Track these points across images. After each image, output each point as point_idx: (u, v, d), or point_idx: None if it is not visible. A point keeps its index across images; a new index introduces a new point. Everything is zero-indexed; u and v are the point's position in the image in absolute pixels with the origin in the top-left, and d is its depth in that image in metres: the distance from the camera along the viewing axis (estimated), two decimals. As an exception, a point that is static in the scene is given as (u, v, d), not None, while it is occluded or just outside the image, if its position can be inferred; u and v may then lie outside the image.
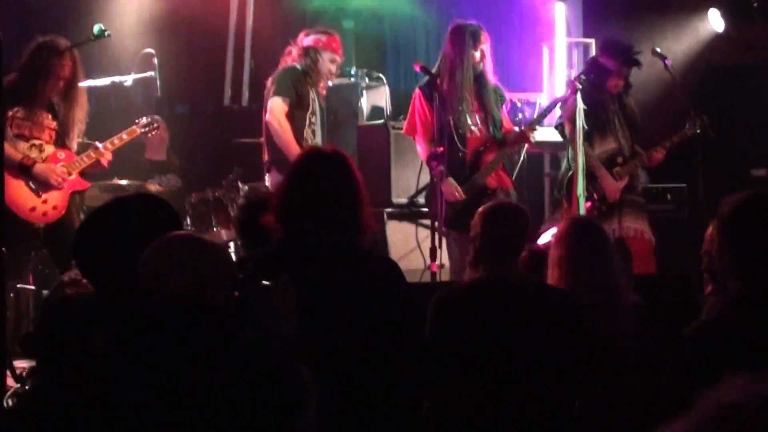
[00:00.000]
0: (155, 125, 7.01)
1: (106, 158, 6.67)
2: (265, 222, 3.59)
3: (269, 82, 7.06)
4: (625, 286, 4.21)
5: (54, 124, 6.46)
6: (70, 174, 6.49)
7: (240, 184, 7.86)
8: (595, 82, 7.23)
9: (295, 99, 6.94)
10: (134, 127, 6.84)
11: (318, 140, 7.02)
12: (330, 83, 7.23)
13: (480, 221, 4.11)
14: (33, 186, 6.34)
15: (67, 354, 3.51)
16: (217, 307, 2.83)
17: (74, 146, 6.59)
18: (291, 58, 7.06)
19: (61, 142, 6.54)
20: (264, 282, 3.06)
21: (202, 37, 9.02)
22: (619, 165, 7.32)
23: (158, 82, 7.09)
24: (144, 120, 6.91)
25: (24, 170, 6.29)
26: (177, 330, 2.72)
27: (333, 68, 7.08)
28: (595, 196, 7.25)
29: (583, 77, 7.12)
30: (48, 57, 6.36)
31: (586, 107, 7.06)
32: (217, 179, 8.12)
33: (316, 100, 7.06)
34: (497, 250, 4.01)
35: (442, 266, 6.99)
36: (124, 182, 7.59)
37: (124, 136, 6.78)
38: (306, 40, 7.07)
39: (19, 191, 6.30)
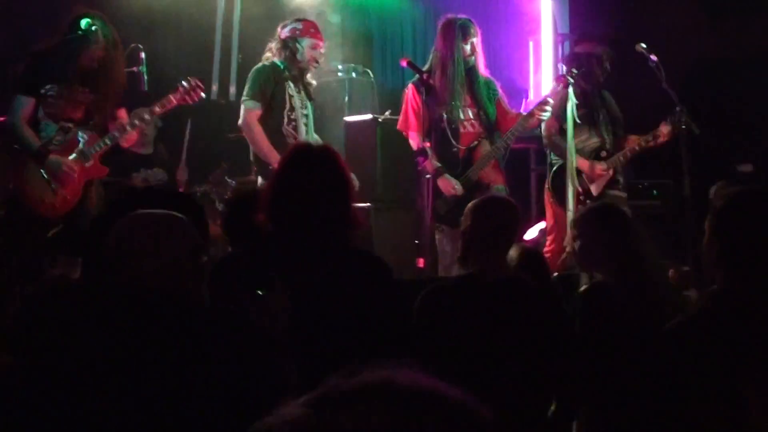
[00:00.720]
0: (196, 86, 6.74)
1: (131, 137, 6.59)
2: (255, 219, 3.58)
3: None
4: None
5: (89, 98, 6.38)
6: (87, 160, 6.38)
7: (227, 179, 7.86)
8: (577, 74, 7.24)
9: (266, 98, 6.83)
10: (175, 94, 6.66)
11: (302, 134, 6.89)
12: (315, 67, 7.05)
13: (470, 216, 4.11)
14: (46, 176, 6.24)
15: (44, 348, 3.52)
16: (189, 297, 2.87)
17: (106, 123, 6.52)
18: (271, 53, 6.99)
19: (90, 119, 6.45)
20: (258, 292, 3.08)
21: (189, 31, 9.01)
22: (603, 159, 7.35)
23: (145, 76, 7.05)
24: (186, 83, 6.71)
25: (39, 160, 6.20)
26: (151, 325, 2.76)
27: (316, 54, 6.93)
28: (579, 189, 7.26)
29: (574, 71, 7.14)
30: (81, 33, 6.29)
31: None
32: (204, 174, 8.11)
33: (297, 94, 6.93)
34: (487, 245, 4.00)
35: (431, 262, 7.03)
36: (109, 179, 7.53)
37: (162, 106, 6.63)
38: (283, 32, 6.98)
39: (34, 180, 6.23)
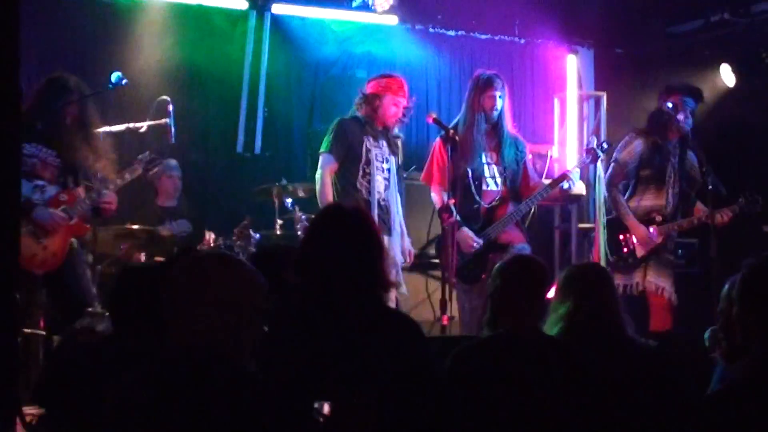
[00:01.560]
0: (157, 162, 6.78)
1: (110, 202, 6.47)
2: (282, 275, 3.58)
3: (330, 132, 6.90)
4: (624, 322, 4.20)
5: (58, 162, 6.27)
6: (70, 218, 6.27)
7: (252, 233, 7.87)
8: (656, 129, 7.19)
9: (342, 152, 6.76)
10: (136, 165, 6.63)
11: (379, 188, 6.78)
12: (401, 123, 6.96)
13: (499, 276, 4.08)
14: (32, 231, 6.10)
15: (75, 402, 3.52)
16: (237, 359, 2.81)
17: (79, 188, 6.41)
18: (355, 107, 6.89)
19: (64, 181, 6.35)
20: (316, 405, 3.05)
21: (216, 84, 9.08)
22: (656, 223, 7.20)
23: (173, 129, 7.09)
24: (146, 155, 6.70)
25: (25, 212, 6.03)
26: (193, 387, 2.71)
27: (397, 111, 6.81)
28: (624, 248, 7.19)
29: (604, 144, 7.11)
30: (55, 94, 6.26)
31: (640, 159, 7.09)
32: (229, 227, 8.14)
33: (378, 148, 6.82)
34: (517, 305, 3.98)
35: (452, 318, 6.98)
36: (135, 227, 7.59)
37: (127, 176, 6.57)
38: (368, 87, 6.90)
39: (23, 238, 5.97)
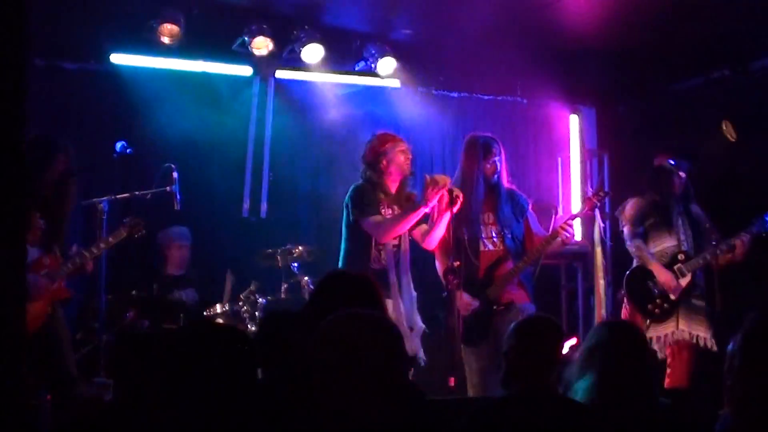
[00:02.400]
0: (140, 225, 6.74)
1: (89, 265, 6.46)
2: (290, 340, 3.57)
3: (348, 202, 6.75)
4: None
5: (42, 223, 6.22)
6: (53, 282, 6.25)
7: (258, 297, 7.88)
8: (655, 188, 7.26)
9: (375, 208, 6.63)
10: (121, 229, 6.63)
11: (390, 258, 6.63)
12: (410, 173, 6.77)
13: (514, 336, 4.08)
14: None
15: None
16: None
17: (60, 250, 6.40)
18: (363, 175, 6.77)
19: (48, 245, 6.32)
20: None
21: (221, 150, 9.13)
22: (680, 262, 7.20)
23: (178, 196, 7.13)
24: (129, 220, 6.70)
25: None
26: None
27: (406, 157, 6.67)
28: (655, 293, 7.17)
29: (601, 193, 7.14)
30: (39, 154, 6.20)
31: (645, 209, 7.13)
32: (235, 292, 8.14)
33: (389, 204, 6.69)
34: (532, 365, 3.98)
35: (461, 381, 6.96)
36: (142, 295, 7.58)
37: (111, 240, 6.57)
38: (368, 155, 6.76)
39: None
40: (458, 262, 6.42)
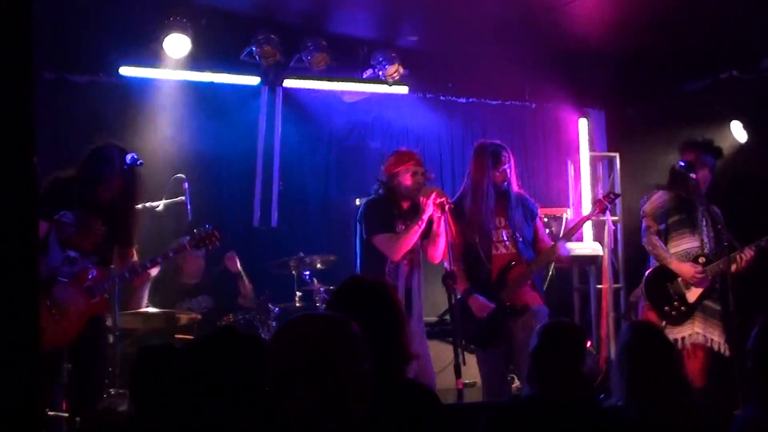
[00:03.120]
0: (215, 237, 6.72)
1: (139, 279, 6.52)
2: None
3: (360, 219, 6.81)
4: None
5: (102, 231, 6.21)
6: (93, 296, 6.21)
7: (271, 306, 7.89)
8: (677, 184, 7.23)
9: (390, 225, 6.70)
10: (190, 241, 6.66)
11: (405, 273, 6.67)
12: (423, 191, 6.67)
13: (537, 338, 4.11)
14: (50, 305, 6.04)
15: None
16: None
17: (113, 258, 6.39)
18: (376, 192, 6.84)
19: (101, 255, 6.31)
20: None
21: (231, 160, 9.16)
22: (700, 264, 7.14)
23: (189, 206, 7.15)
24: (199, 231, 6.70)
25: (45, 286, 6.02)
26: None
27: (418, 179, 6.68)
28: (674, 297, 7.14)
29: (612, 195, 7.12)
30: (101, 163, 6.26)
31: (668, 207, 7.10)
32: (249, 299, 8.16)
33: (402, 221, 6.72)
34: (554, 367, 3.99)
35: (473, 384, 6.96)
36: (152, 310, 7.55)
37: (170, 254, 6.61)
38: (383, 171, 6.84)
39: (46, 323, 5.97)
40: (457, 267, 6.44)
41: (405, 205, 6.75)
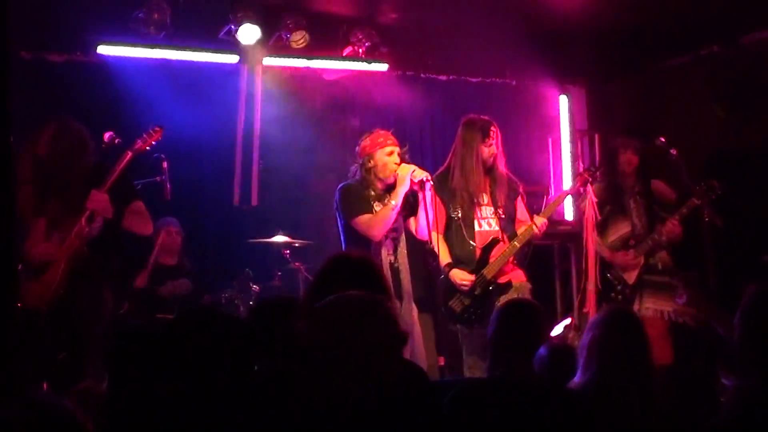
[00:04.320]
0: (155, 130, 6.55)
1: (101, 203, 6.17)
2: (296, 328, 3.53)
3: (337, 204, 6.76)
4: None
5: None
6: (63, 240, 6.10)
7: (251, 285, 7.87)
8: (608, 167, 7.33)
9: (368, 206, 6.63)
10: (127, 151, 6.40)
11: (390, 251, 6.62)
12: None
13: (496, 320, 4.10)
14: (32, 274, 6.06)
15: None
16: None
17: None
18: (354, 174, 6.80)
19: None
20: None
21: (210, 139, 9.10)
22: (631, 246, 7.34)
23: (168, 185, 7.11)
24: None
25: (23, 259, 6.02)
26: None
27: (394, 158, 6.64)
28: (616, 283, 7.27)
29: (592, 169, 7.15)
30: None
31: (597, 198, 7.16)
32: (228, 280, 8.13)
33: (380, 201, 6.64)
34: (513, 348, 3.99)
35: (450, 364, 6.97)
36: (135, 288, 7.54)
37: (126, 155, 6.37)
38: (358, 153, 6.78)
39: (24, 281, 6.01)
40: (433, 244, 6.44)
41: (381, 186, 6.71)
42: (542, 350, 4.31)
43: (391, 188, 6.64)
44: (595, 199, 7.23)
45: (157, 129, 6.56)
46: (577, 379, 4.18)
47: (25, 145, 6.26)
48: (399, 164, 6.63)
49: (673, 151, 7.29)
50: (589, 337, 4.15)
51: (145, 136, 6.49)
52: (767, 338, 2.99)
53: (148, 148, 6.54)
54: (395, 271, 6.55)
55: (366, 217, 6.57)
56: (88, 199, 6.09)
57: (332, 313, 2.92)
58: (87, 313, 6.11)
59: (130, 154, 6.36)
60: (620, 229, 7.43)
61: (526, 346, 4.03)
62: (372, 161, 6.67)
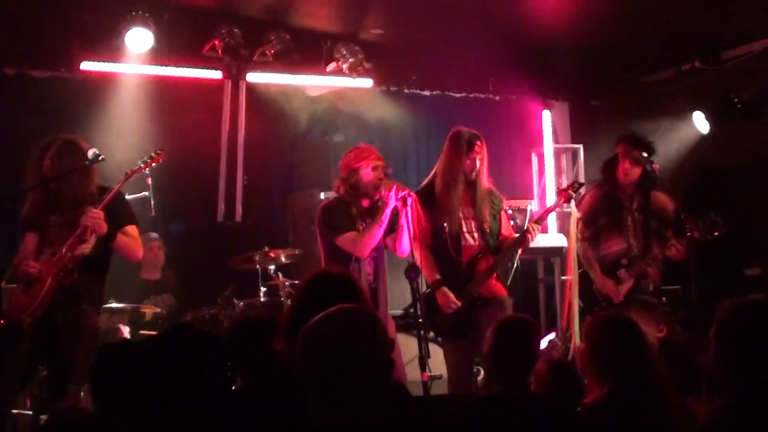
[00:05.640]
0: (157, 153, 6.58)
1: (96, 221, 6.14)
2: (275, 347, 3.53)
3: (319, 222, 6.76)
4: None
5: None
6: (53, 254, 6.10)
7: (235, 301, 7.86)
8: (608, 178, 7.28)
9: (351, 223, 6.66)
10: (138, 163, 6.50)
11: (368, 270, 6.63)
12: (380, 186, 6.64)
13: (492, 336, 4.12)
14: (22, 286, 6.08)
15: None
16: None
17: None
18: (335, 191, 6.81)
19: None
20: None
21: (195, 155, 9.10)
22: (623, 266, 7.27)
23: (152, 201, 7.11)
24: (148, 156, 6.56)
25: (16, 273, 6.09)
26: None
27: (378, 173, 6.64)
28: (600, 299, 7.23)
29: (577, 185, 7.12)
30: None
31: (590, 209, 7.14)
32: (212, 296, 8.12)
33: (363, 219, 6.69)
34: (509, 364, 4.00)
35: (439, 377, 6.95)
36: (119, 305, 7.53)
37: (128, 173, 6.44)
38: (342, 168, 6.78)
39: (13, 293, 6.11)
40: (424, 255, 6.43)
41: (365, 202, 6.72)
42: (541, 366, 4.33)
43: (374, 205, 6.66)
44: (578, 215, 7.22)
45: (159, 152, 6.58)
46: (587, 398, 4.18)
47: (33, 158, 6.29)
48: (382, 179, 6.64)
49: (655, 166, 7.29)
50: (588, 347, 4.15)
51: (146, 158, 6.52)
52: (741, 354, 3.00)
53: (146, 170, 6.59)
54: (373, 291, 6.56)
55: (351, 235, 6.58)
56: (83, 215, 6.09)
57: (329, 329, 2.88)
58: (69, 329, 6.07)
59: (129, 174, 6.40)
60: (614, 245, 7.30)
61: (524, 363, 4.05)
62: (356, 176, 6.68)
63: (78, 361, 5.99)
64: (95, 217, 6.08)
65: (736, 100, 8.75)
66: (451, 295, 6.65)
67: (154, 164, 6.57)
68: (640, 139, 7.37)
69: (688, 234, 6.98)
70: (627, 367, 4.07)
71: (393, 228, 6.63)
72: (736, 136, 8.99)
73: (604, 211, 7.29)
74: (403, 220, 6.44)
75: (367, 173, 6.65)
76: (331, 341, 2.75)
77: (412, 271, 6.13)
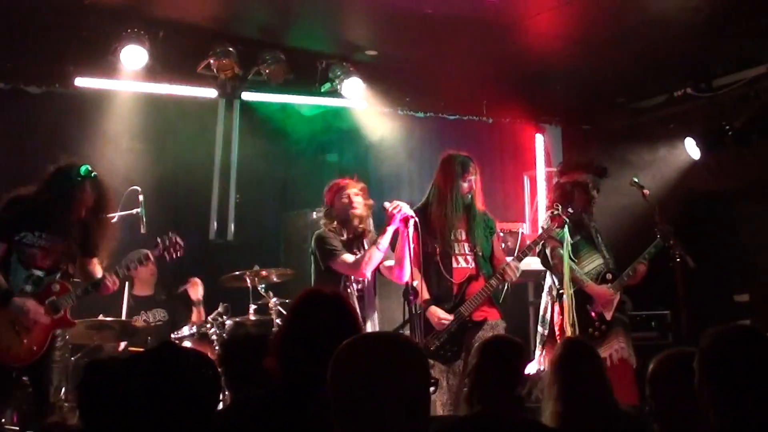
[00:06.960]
0: (179, 245, 6.79)
1: (106, 289, 6.43)
2: (258, 363, 3.54)
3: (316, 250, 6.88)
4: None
5: (61, 248, 6.24)
6: (56, 311, 6.18)
7: (226, 319, 7.85)
8: (566, 201, 7.30)
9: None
10: (153, 250, 6.73)
11: (355, 302, 6.58)
12: (358, 212, 6.90)
13: (477, 355, 4.12)
14: (11, 321, 6.02)
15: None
16: None
17: (78, 272, 6.42)
18: (325, 225, 6.95)
19: (65, 270, 6.30)
20: None
21: (187, 172, 9.10)
22: (608, 281, 7.34)
23: (143, 218, 7.12)
24: (164, 239, 6.75)
25: (2, 301, 6.01)
26: None
27: (352, 199, 6.85)
28: (593, 315, 7.24)
29: (569, 210, 7.15)
30: (67, 182, 6.24)
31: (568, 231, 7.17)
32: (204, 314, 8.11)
33: (349, 249, 6.85)
34: (494, 384, 4.00)
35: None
36: (109, 319, 7.53)
37: (140, 262, 6.76)
38: (325, 202, 7.01)
39: (1, 328, 6.02)
40: (416, 281, 6.46)
41: (345, 233, 6.87)
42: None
43: (358, 236, 6.79)
44: (571, 240, 7.25)
45: (180, 245, 6.80)
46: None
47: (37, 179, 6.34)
48: (358, 204, 6.80)
49: (646, 192, 7.33)
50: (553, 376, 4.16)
51: (168, 244, 6.76)
52: (724, 381, 3.02)
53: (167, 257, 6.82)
54: (363, 315, 6.61)
55: (347, 256, 6.64)
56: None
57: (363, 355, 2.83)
58: (54, 372, 6.23)
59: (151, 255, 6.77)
60: (593, 261, 7.41)
61: (506, 383, 4.04)
62: (333, 212, 6.90)
63: (54, 378, 6.20)
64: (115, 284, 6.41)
65: (727, 127, 8.79)
66: (441, 311, 6.67)
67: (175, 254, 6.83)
68: (584, 163, 7.48)
69: (678, 260, 7.03)
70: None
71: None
72: (727, 163, 9.01)
73: (576, 227, 7.34)
74: (404, 244, 6.46)
75: (344, 200, 6.77)
76: (364, 364, 2.73)
77: (410, 294, 6.16)
